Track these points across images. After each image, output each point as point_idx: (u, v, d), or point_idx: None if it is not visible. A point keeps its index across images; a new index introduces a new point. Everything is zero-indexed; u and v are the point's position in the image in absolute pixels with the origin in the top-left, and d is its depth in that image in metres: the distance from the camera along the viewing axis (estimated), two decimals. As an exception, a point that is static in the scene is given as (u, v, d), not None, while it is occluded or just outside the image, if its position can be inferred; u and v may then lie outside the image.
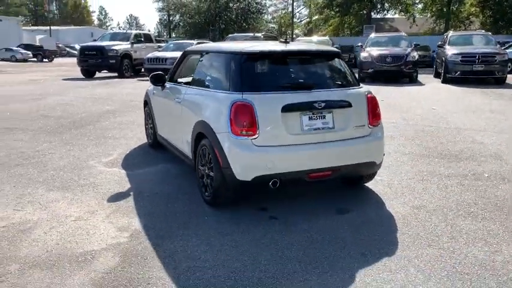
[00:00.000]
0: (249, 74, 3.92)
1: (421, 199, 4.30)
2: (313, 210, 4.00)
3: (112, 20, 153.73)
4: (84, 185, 4.64)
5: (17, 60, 39.23)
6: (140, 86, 14.77)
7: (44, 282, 2.75)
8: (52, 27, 65.13)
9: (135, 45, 20.33)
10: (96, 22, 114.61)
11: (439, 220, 3.79)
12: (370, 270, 2.93)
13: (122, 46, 19.64)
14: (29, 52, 41.51)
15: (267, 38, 20.98)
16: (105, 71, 19.78)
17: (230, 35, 23.47)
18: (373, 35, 20.03)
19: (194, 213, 3.92)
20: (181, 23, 52.71)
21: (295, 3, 46.39)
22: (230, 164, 3.70)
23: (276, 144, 3.74)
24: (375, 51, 16.70)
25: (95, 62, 19.23)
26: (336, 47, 11.78)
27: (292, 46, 4.41)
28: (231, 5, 49.68)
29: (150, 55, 18.55)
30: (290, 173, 3.78)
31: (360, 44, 20.35)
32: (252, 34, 23.24)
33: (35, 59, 40.90)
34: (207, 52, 4.72)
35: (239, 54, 3.99)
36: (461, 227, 3.63)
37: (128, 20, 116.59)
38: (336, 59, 4.36)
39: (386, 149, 4.86)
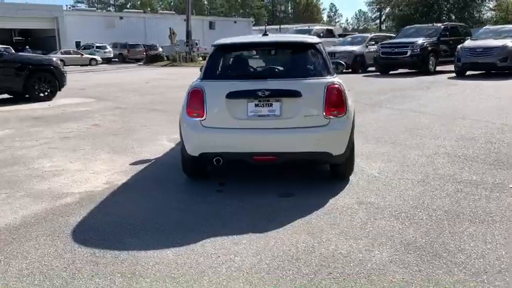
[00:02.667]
0: (214, 63, 4.46)
1: (382, 197, 4.07)
2: (261, 190, 4.28)
3: (341, 16, 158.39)
4: (134, 152, 5.90)
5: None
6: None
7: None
8: (282, 26, 71.70)
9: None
10: (325, 19, 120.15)
11: (367, 218, 3.62)
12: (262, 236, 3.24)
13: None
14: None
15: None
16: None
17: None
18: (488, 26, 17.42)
19: (173, 179, 4.70)
20: (390, 16, 51.36)
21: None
22: (184, 141, 4.36)
23: (221, 126, 4.20)
24: (471, 43, 15.22)
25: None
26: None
27: (264, 38, 4.68)
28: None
29: (322, 50, 19.28)
30: (232, 153, 4.20)
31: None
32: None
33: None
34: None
35: (213, 46, 4.56)
36: (383, 228, 3.43)
37: (356, 15, 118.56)
38: (311, 50, 4.45)
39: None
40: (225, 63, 4.51)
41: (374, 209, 3.80)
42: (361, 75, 17.76)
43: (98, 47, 41.18)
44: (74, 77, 18.64)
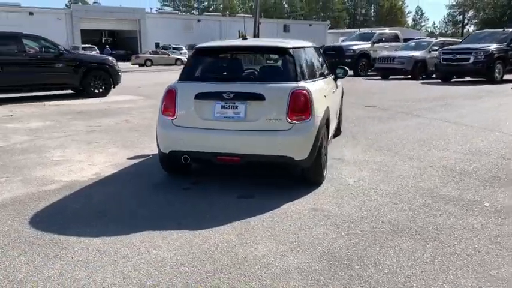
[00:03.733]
0: (192, 65, 4.65)
1: (339, 205, 4.00)
2: (227, 190, 4.39)
3: (427, 19, 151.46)
4: (140, 148, 6.27)
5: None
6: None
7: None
8: (362, 29, 70.28)
9: (376, 44, 20.80)
10: (410, 23, 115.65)
11: (308, 225, 3.59)
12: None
13: (361, 46, 20.52)
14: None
15: None
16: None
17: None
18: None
19: (153, 175, 4.95)
20: (472, 20, 48.20)
21: None
22: (157, 139, 4.59)
23: (189, 126, 4.37)
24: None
25: (333, 61, 20.74)
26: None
27: (240, 42, 4.76)
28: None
29: (381, 54, 18.81)
30: (198, 152, 4.36)
31: None
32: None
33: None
34: None
35: (194, 49, 4.75)
36: (315, 236, 3.41)
37: (444, 19, 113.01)
38: (283, 55, 4.48)
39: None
40: (201, 66, 4.67)
41: (322, 216, 3.75)
42: (419, 82, 17.00)
43: (174, 48, 43.24)
44: (138, 76, 19.84)
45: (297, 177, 4.61)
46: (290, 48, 4.48)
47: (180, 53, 42.01)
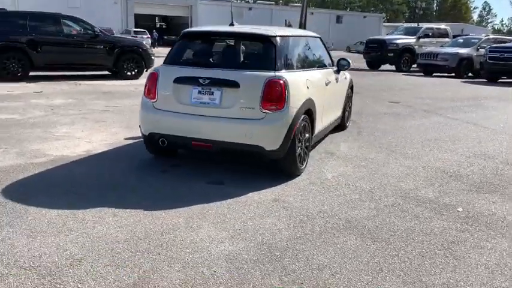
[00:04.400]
0: (177, 50, 4.68)
1: (303, 199, 3.93)
2: (201, 175, 4.43)
3: (495, 16, 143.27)
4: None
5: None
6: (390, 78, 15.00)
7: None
8: (421, 24, 67.68)
9: (421, 39, 19.99)
10: (476, 19, 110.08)
11: (260, 214, 3.57)
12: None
13: (405, 40, 19.81)
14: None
15: None
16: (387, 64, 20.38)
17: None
18: None
19: (139, 155, 5.07)
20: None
21: None
22: (140, 120, 4.69)
23: (168, 109, 4.42)
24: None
25: (375, 54, 20.22)
26: None
27: (224, 28, 4.73)
28: None
29: (424, 50, 18.10)
30: (174, 136, 4.41)
31: None
32: None
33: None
34: None
35: (181, 33, 4.79)
36: (261, 226, 3.39)
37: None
38: (264, 43, 4.42)
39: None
40: (185, 50, 4.69)
41: (280, 208, 3.70)
42: (462, 80, 16.19)
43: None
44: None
45: (275, 168, 4.56)
46: (273, 36, 4.41)
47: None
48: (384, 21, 66.80)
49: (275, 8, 55.90)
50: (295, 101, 4.25)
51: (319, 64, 5.41)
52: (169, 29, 52.86)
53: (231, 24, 4.79)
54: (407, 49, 19.56)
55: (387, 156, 5.39)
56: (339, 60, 5.92)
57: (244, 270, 2.72)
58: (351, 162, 5.09)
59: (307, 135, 4.65)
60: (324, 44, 5.90)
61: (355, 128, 6.97)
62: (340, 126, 6.57)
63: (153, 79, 4.49)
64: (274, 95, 4.11)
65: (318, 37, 5.76)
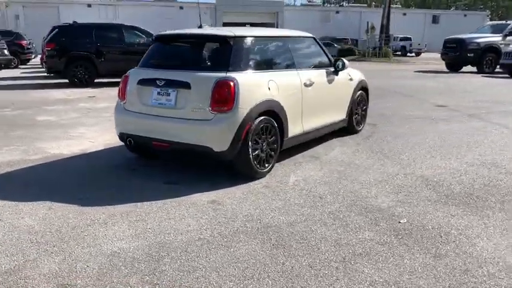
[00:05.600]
0: (149, 53, 4.83)
1: (242, 203, 3.84)
2: (164, 175, 4.53)
3: None
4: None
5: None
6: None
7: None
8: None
9: (508, 37, 18.12)
10: None
11: (183, 215, 3.57)
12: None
13: (488, 39, 18.14)
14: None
15: None
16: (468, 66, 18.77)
17: None
18: None
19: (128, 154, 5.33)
20: None
21: None
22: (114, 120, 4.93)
23: (133, 110, 4.61)
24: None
25: (453, 55, 18.76)
26: None
27: (188, 31, 4.76)
28: None
29: (509, 49, 16.43)
30: (137, 136, 4.57)
31: None
32: None
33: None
34: None
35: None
36: (174, 227, 3.40)
37: None
38: (221, 44, 4.39)
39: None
40: (155, 53, 4.81)
41: (210, 210, 3.66)
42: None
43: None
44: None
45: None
46: (230, 36, 4.36)
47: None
48: (489, 19, 61.36)
49: (364, 10, 54.29)
50: (247, 102, 4.16)
51: (305, 65, 5.20)
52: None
53: (200, 27, 4.83)
54: (491, 48, 17.82)
55: (375, 162, 5.02)
56: (335, 60, 5.65)
57: (115, 267, 2.75)
58: (328, 167, 4.83)
59: (273, 137, 4.52)
60: (319, 45, 5.67)
61: (367, 132, 6.57)
62: (346, 129, 6.25)
63: (124, 81, 4.71)
64: (223, 96, 4.07)
65: (309, 37, 5.56)
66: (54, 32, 13.01)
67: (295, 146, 5.26)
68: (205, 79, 4.17)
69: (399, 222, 3.41)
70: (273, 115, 4.48)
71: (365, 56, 29.38)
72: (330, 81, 5.55)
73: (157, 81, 4.35)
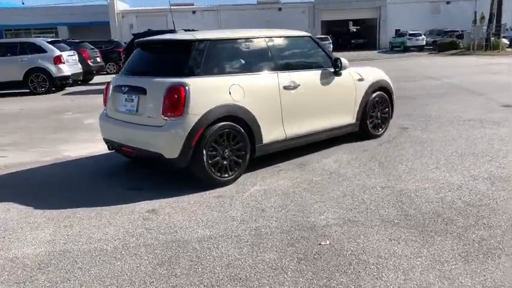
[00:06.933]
0: (129, 59, 4.91)
1: (180, 212, 3.73)
2: (131, 180, 4.62)
3: None
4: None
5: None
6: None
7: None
8: None
9: None
10: None
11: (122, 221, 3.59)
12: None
13: None
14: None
15: None
16: None
17: None
18: None
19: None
20: None
21: None
22: (99, 126, 5.11)
23: (110, 116, 4.75)
24: None
25: None
26: None
27: (157, 37, 4.74)
28: None
29: None
30: (111, 141, 4.70)
31: None
32: None
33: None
34: None
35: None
36: (107, 233, 3.45)
37: None
38: (180, 49, 4.30)
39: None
40: (130, 60, 4.82)
41: (141, 219, 3.61)
42: None
43: (410, 35, 40.81)
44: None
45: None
46: (190, 40, 4.25)
47: (417, 40, 39.40)
48: None
49: (480, -1, 49.30)
50: (200, 108, 4.03)
51: (290, 67, 4.87)
52: (358, 33, 52.31)
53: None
54: None
55: (362, 173, 4.52)
56: (335, 60, 5.20)
57: (3, 271, 2.84)
58: (305, 177, 4.47)
59: (239, 144, 4.32)
60: (317, 44, 5.27)
61: (388, 137, 5.95)
62: (358, 134, 5.74)
63: (107, 88, 4.87)
64: (173, 102, 4.00)
65: (301, 36, 5.21)
66: (132, 39, 13.95)
67: (286, 152, 4.98)
68: (158, 85, 4.13)
69: (319, 244, 3.02)
70: (237, 120, 4.27)
71: (470, 50, 26.65)
72: (326, 83, 5.12)
73: (123, 88, 4.43)
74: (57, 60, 13.73)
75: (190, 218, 3.59)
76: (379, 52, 38.55)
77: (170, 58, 4.39)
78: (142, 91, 4.22)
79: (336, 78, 5.22)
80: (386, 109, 6.04)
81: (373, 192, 3.95)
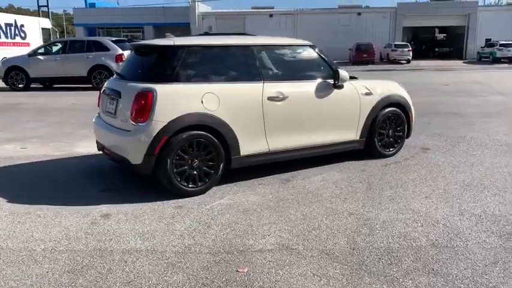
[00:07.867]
0: (124, 62, 4.99)
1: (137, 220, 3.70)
2: (110, 182, 4.67)
3: None
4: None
5: None
6: None
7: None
8: None
9: None
10: None
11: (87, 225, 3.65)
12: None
13: None
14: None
15: None
16: None
17: None
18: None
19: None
20: None
21: None
22: (94, 129, 5.23)
23: (101, 118, 4.84)
24: None
25: None
26: None
27: (144, 42, 4.69)
28: None
29: None
30: (98, 142, 4.80)
31: None
32: None
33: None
34: None
35: None
36: (60, 235, 3.52)
37: None
38: (157, 55, 4.26)
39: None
40: (123, 64, 4.92)
41: (88, 223, 3.62)
42: None
43: (501, 45, 37.76)
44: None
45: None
46: (167, 46, 4.19)
47: (508, 50, 36.34)
48: None
49: None
50: (166, 115, 3.96)
51: (280, 77, 4.64)
52: (443, 41, 49.40)
53: (164, 37, 4.76)
54: None
55: (340, 196, 4.17)
56: (335, 72, 4.86)
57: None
58: (281, 194, 4.23)
59: (211, 154, 4.19)
60: (318, 54, 4.96)
61: (400, 158, 5.46)
62: (363, 152, 5.34)
63: (100, 91, 4.99)
64: (140, 107, 3.98)
65: (300, 45, 4.94)
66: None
67: (276, 165, 4.79)
68: (130, 89, 4.13)
69: (237, 270, 2.81)
70: (209, 130, 4.14)
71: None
72: (322, 95, 4.81)
73: (107, 90, 4.49)
74: (119, 58, 14.46)
75: (135, 227, 3.53)
76: (464, 62, 36.16)
77: (147, 63, 4.38)
78: (118, 94, 4.25)
79: (336, 91, 4.89)
80: (401, 127, 5.55)
81: (336, 218, 3.62)
